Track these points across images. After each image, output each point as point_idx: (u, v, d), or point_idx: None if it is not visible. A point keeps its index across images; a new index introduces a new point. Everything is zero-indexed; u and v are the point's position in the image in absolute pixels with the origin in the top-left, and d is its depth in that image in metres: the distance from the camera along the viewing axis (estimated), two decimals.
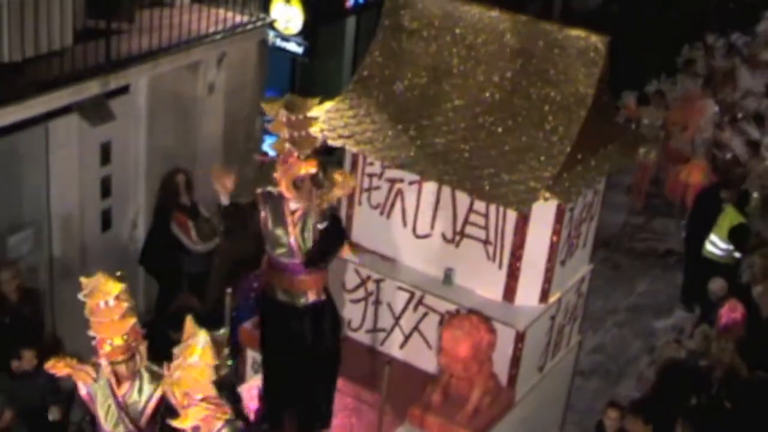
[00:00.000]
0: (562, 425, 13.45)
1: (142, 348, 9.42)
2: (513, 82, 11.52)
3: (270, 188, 10.28)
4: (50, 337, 14.84)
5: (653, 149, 20.60)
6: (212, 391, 8.53)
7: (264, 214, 10.35)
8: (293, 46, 19.36)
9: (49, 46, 13.37)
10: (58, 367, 9.50)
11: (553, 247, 11.54)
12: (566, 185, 11.10)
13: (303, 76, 21.04)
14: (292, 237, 10.19)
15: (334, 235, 10.26)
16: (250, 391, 11.27)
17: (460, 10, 11.80)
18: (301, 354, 10.45)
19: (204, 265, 15.56)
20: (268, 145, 17.46)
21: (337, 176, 10.19)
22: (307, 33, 19.19)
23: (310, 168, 9.80)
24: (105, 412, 9.59)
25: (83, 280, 9.22)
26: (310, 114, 10.03)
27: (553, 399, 12.76)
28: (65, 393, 12.34)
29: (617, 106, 19.48)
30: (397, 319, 11.92)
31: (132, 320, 9.22)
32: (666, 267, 19.40)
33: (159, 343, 9.74)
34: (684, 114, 21.12)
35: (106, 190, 15.92)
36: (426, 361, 11.80)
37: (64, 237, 15.43)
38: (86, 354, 14.94)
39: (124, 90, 15.17)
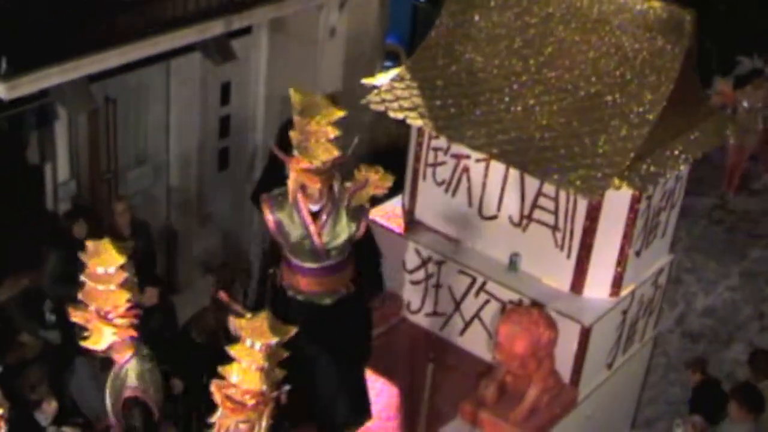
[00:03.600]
0: (634, 423, 11.20)
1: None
2: (589, 57, 9.29)
3: (277, 191, 8.16)
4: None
5: (751, 134, 16.70)
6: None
7: (274, 220, 8.14)
8: None
9: None
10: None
11: (627, 237, 9.37)
12: (643, 172, 8.93)
13: (424, 23, 18.69)
14: (317, 243, 8.08)
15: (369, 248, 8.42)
16: None
17: None
18: (323, 351, 8.45)
19: None
20: None
21: (373, 174, 8.29)
22: None
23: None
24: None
25: (89, 244, 7.48)
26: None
27: (623, 396, 10.55)
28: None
29: (708, 93, 15.73)
30: (458, 304, 9.88)
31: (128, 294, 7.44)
32: None
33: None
34: None
35: (224, 129, 14.58)
36: (486, 350, 9.76)
37: (182, 173, 14.25)
38: (202, 287, 13.84)
39: (246, 31, 13.79)
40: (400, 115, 9.47)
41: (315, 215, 7.99)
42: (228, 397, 6.89)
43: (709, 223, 15.81)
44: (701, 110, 9.66)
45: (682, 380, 13.07)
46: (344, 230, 8.05)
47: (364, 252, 8.43)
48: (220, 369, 6.90)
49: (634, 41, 9.14)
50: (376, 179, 8.23)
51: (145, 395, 7.76)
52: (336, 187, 7.97)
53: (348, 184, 8.12)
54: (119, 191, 13.32)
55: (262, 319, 6.96)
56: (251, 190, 14.37)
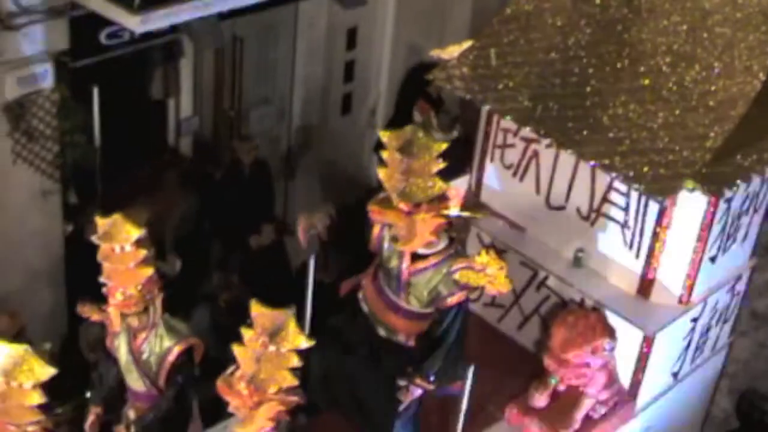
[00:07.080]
0: None
1: (158, 301, 6.90)
2: (673, 43, 7.74)
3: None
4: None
5: None
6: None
7: (378, 232, 7.16)
8: None
9: None
10: (85, 311, 7.28)
11: (701, 242, 7.87)
12: (721, 174, 7.38)
13: None
14: (403, 274, 7.03)
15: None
16: None
17: None
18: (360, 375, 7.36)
19: None
20: None
21: (494, 265, 6.95)
22: None
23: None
24: (126, 367, 7.16)
25: (99, 219, 6.68)
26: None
27: (689, 408, 9.01)
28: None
29: None
30: (518, 297, 8.54)
31: (149, 270, 6.70)
32: None
33: None
34: None
35: (348, 74, 13.68)
36: None
37: (305, 116, 13.45)
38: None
39: None
40: (465, 94, 8.14)
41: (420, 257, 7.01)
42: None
43: None
44: None
45: None
46: (430, 287, 7.01)
47: (443, 330, 7.15)
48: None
49: (724, 29, 7.56)
50: (493, 275, 6.91)
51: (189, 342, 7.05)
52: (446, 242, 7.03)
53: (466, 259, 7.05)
54: (242, 130, 12.66)
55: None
56: (371, 136, 13.46)
